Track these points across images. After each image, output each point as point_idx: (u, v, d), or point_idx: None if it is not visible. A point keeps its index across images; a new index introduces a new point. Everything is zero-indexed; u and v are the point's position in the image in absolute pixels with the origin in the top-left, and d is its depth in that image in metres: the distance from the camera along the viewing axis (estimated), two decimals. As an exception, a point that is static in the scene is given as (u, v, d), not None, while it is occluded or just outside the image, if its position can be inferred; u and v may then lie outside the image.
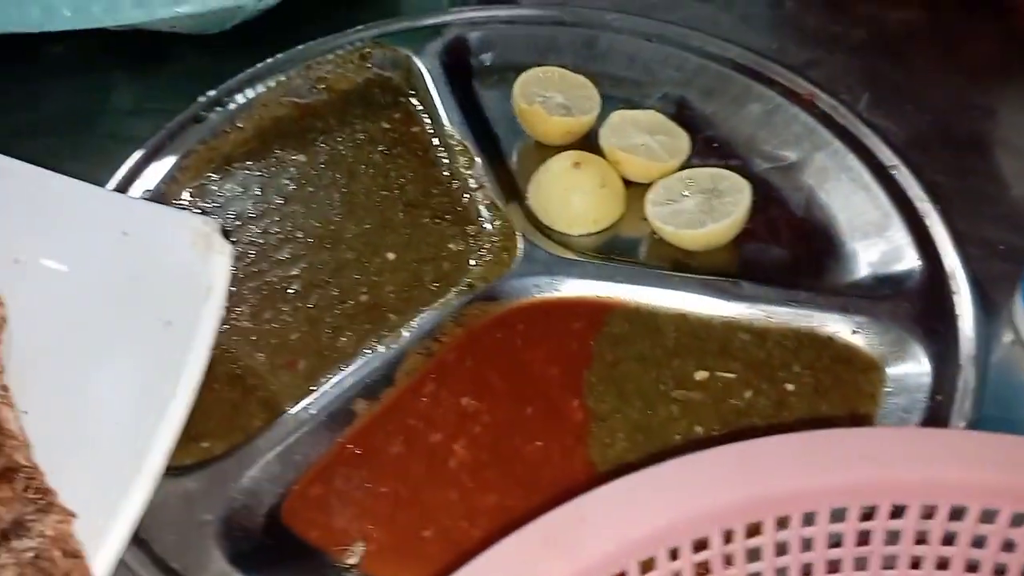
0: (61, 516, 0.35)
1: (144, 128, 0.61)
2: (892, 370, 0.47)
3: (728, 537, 0.34)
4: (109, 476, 0.37)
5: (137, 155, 0.56)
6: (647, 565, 0.33)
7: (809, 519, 0.34)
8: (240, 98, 0.61)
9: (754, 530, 0.34)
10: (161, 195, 0.55)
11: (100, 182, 0.55)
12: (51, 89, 0.66)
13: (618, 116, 0.58)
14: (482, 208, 0.55)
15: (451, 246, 0.53)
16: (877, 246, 0.53)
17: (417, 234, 0.54)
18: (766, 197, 0.56)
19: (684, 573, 0.33)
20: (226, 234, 0.43)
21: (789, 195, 0.57)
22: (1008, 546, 0.35)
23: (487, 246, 0.53)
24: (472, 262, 0.52)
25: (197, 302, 0.41)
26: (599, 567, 0.32)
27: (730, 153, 0.59)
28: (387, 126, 0.61)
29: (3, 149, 0.53)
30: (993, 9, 0.70)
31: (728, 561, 0.34)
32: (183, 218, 0.45)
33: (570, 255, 0.53)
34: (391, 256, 0.53)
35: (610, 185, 0.56)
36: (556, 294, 0.51)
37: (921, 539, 0.35)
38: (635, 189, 0.57)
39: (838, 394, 0.46)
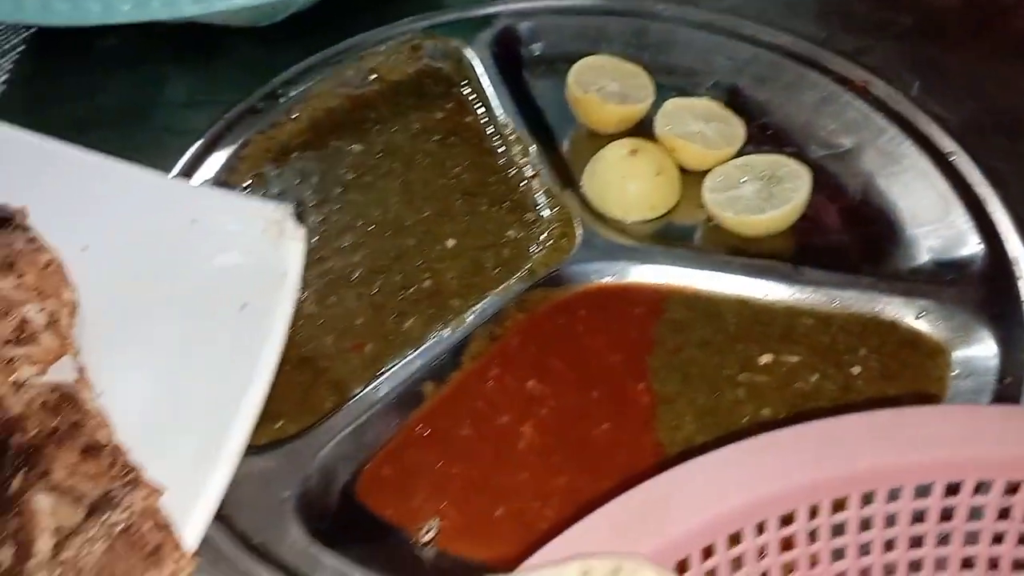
0: (148, 491, 0.36)
1: (199, 120, 0.62)
2: (959, 354, 0.47)
3: (813, 512, 0.34)
4: (192, 455, 0.38)
5: (196, 146, 0.58)
6: (733, 539, 0.33)
7: (894, 495, 0.35)
8: (294, 90, 0.62)
9: (838, 506, 0.34)
10: (221, 184, 0.56)
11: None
12: (106, 82, 0.67)
13: (672, 104, 0.59)
14: (539, 195, 0.56)
15: (510, 233, 0.54)
16: (938, 232, 0.53)
17: (476, 221, 0.55)
18: (822, 184, 0.55)
19: (770, 547, 0.34)
20: (299, 219, 0.44)
21: (846, 182, 0.57)
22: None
23: (546, 233, 0.54)
24: (532, 249, 0.53)
25: (272, 287, 0.42)
26: (689, 540, 0.32)
27: (785, 140, 0.59)
28: (440, 116, 0.62)
29: (61, 140, 0.55)
30: (1044, -7, 0.70)
31: (812, 537, 0.35)
32: (254, 205, 0.46)
33: (628, 241, 0.53)
34: (451, 243, 0.53)
35: (666, 172, 0.56)
36: (616, 280, 0.52)
37: (1004, 514, 0.35)
38: (690, 176, 0.57)
39: (905, 377, 0.46)
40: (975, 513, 0.35)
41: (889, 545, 0.36)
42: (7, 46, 0.71)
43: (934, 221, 0.53)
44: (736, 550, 0.33)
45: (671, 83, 0.62)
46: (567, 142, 0.60)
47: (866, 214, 0.55)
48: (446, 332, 0.48)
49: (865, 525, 0.35)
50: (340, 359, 0.47)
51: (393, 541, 0.41)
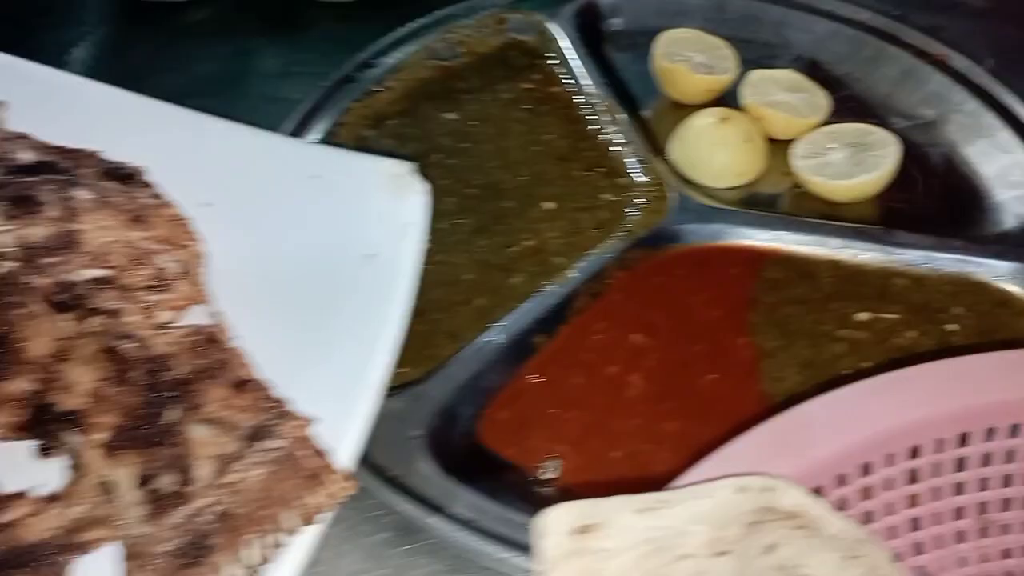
0: (300, 421, 0.38)
1: (292, 90, 0.64)
2: (1052, 314, 0.49)
3: (938, 446, 0.36)
4: (333, 393, 0.40)
5: (296, 113, 0.60)
6: (864, 469, 0.35)
7: (1015, 431, 0.36)
8: (386, 61, 0.64)
9: (962, 440, 0.36)
10: (325, 149, 0.59)
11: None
12: (197, 54, 0.70)
13: (758, 75, 0.61)
14: (629, 161, 0.58)
15: (605, 196, 0.56)
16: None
17: (571, 185, 0.57)
18: (907, 153, 0.57)
19: (897, 480, 0.36)
20: (421, 174, 0.46)
21: (929, 151, 0.59)
22: None
23: (640, 196, 0.56)
24: (628, 211, 0.55)
25: (397, 238, 0.44)
26: (824, 468, 0.34)
27: (867, 112, 0.61)
28: (528, 86, 0.64)
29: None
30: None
31: (936, 470, 0.36)
32: (374, 160, 0.48)
33: (722, 204, 0.55)
34: (550, 205, 0.55)
35: (754, 140, 0.58)
36: (711, 242, 0.54)
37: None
38: (775, 145, 0.59)
39: (1001, 335, 0.48)
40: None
41: (1006, 481, 0.37)
42: (98, 20, 0.73)
43: (1019, 187, 0.55)
44: (866, 480, 0.35)
45: (750, 57, 0.64)
46: (649, 112, 0.63)
47: (950, 182, 0.57)
48: (552, 288, 0.50)
49: (985, 460, 0.37)
50: (453, 311, 0.50)
51: (517, 479, 0.44)
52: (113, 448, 0.39)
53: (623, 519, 0.30)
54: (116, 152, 0.52)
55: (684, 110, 0.60)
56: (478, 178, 0.57)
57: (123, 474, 0.38)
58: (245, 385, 0.40)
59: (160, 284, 0.46)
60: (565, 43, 0.65)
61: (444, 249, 0.53)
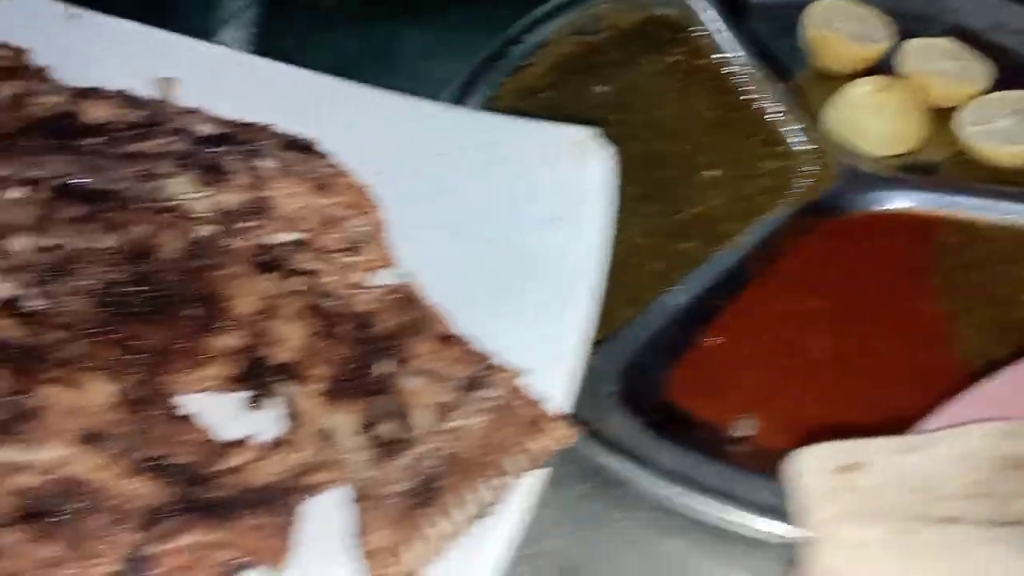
0: (511, 373, 0.39)
1: (441, 70, 0.65)
2: None
3: None
4: (535, 349, 0.41)
5: (451, 90, 0.61)
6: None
7: None
8: (531, 38, 0.65)
9: None
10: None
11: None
12: (340, 37, 0.72)
13: (918, 43, 0.60)
14: (788, 130, 0.58)
15: (768, 164, 0.56)
16: None
17: (731, 154, 0.57)
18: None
19: None
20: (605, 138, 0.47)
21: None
22: None
23: (804, 164, 0.56)
24: (793, 178, 0.55)
25: (582, 204, 0.45)
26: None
27: (1025, 81, 0.61)
28: (674, 59, 0.64)
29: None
30: None
31: None
32: (555, 127, 0.49)
33: (890, 172, 0.55)
34: (712, 173, 0.56)
35: (915, 108, 0.58)
36: (879, 208, 0.54)
37: None
38: (934, 113, 0.58)
39: None
40: None
41: None
42: (241, 5, 0.76)
43: None
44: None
45: (902, 26, 0.64)
46: (798, 83, 0.62)
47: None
48: (725, 253, 0.51)
49: None
50: (629, 275, 0.49)
51: (709, 434, 0.44)
52: (331, 397, 0.41)
53: (885, 459, 0.30)
54: (287, 125, 0.54)
55: (833, 80, 0.60)
56: (635, 148, 0.57)
57: (342, 421, 0.40)
58: (450, 339, 0.42)
59: (351, 246, 0.48)
60: (710, 15, 0.65)
61: (612, 215, 0.54)
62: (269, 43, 0.74)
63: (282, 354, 0.42)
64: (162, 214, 0.47)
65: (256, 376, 0.42)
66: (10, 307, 0.43)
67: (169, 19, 0.74)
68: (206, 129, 0.52)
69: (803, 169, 0.55)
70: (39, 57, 0.57)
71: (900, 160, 0.57)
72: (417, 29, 0.72)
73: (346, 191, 0.50)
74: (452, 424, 0.37)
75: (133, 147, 0.51)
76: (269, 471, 0.38)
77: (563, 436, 0.37)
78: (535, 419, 0.37)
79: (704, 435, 0.44)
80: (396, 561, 0.34)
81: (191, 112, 0.54)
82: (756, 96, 0.60)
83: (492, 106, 0.60)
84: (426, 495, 0.36)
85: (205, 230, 0.47)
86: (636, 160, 0.57)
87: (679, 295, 0.48)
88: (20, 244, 0.45)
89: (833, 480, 0.30)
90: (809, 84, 0.62)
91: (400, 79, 0.67)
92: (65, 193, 0.47)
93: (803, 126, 0.58)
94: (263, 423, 0.42)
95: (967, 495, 0.30)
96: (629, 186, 0.55)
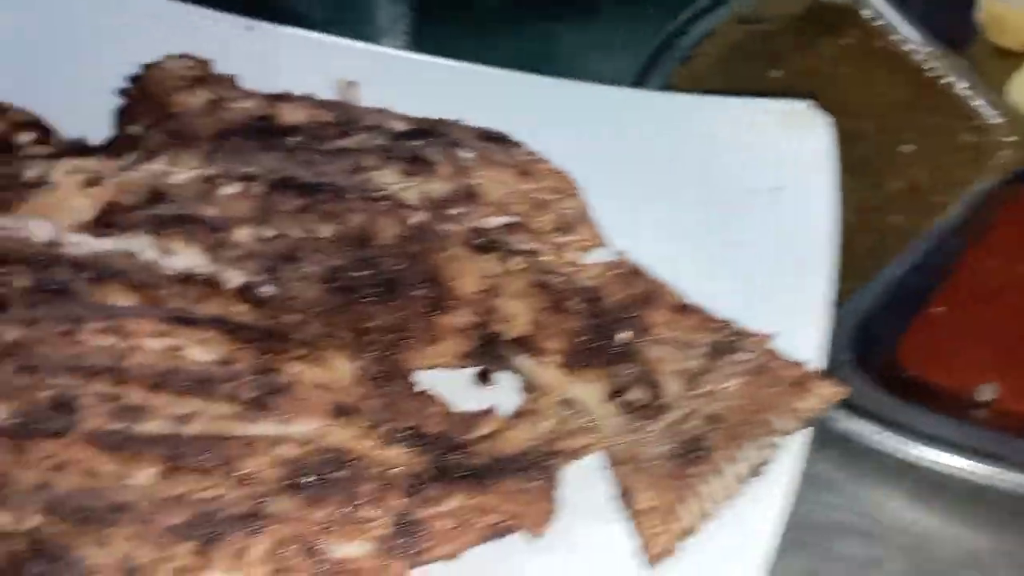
0: (760, 337, 0.40)
1: (603, 70, 0.67)
2: None
3: None
4: (783, 316, 0.41)
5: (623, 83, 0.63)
6: None
7: None
8: (696, 29, 0.67)
9: None
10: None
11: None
12: (496, 39, 0.74)
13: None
14: (976, 105, 0.58)
15: (964, 137, 0.56)
16: None
17: (925, 130, 0.58)
18: None
19: None
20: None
21: None
22: None
23: (1001, 136, 0.56)
24: (992, 149, 0.55)
25: (805, 173, 0.46)
26: None
27: None
28: (847, 42, 0.65)
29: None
30: None
31: None
32: (764, 102, 0.50)
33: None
34: (909, 148, 0.56)
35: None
36: (1091, 176, 0.53)
37: None
38: None
39: None
40: None
41: None
42: (397, 13, 0.79)
43: None
44: None
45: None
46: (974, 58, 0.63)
47: None
48: (937, 224, 0.51)
49: None
50: (844, 249, 0.50)
51: (947, 400, 0.44)
52: (570, 368, 0.42)
53: None
54: (474, 120, 0.56)
55: (1010, 55, 0.61)
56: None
57: (587, 390, 0.41)
58: (685, 308, 0.42)
59: (565, 227, 0.49)
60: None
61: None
62: (427, 50, 0.77)
63: (515, 329, 0.44)
64: (377, 203, 0.49)
65: (489, 351, 0.44)
66: (244, 294, 0.45)
67: (327, 31, 0.79)
68: (400, 126, 0.55)
69: (1001, 140, 0.56)
70: (222, 68, 0.61)
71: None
72: (570, 29, 0.74)
73: (549, 176, 0.51)
74: (706, 388, 0.38)
75: (337, 144, 0.53)
76: (521, 438, 0.39)
77: (831, 395, 0.37)
78: (799, 379, 0.38)
79: (944, 400, 0.44)
80: (674, 519, 0.35)
81: (379, 111, 0.57)
82: (938, 74, 0.60)
83: (670, 95, 0.62)
84: (694, 454, 0.36)
85: (419, 216, 0.48)
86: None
87: (898, 267, 0.49)
88: (243, 235, 0.48)
89: None
90: (985, 59, 0.63)
91: (564, 75, 0.70)
92: (280, 187, 0.50)
93: (990, 100, 0.58)
94: (491, 397, 0.44)
95: None
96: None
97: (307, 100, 0.58)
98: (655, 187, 0.48)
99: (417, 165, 0.51)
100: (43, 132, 0.57)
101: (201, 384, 0.40)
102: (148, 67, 0.61)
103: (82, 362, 0.41)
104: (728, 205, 0.46)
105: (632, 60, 0.66)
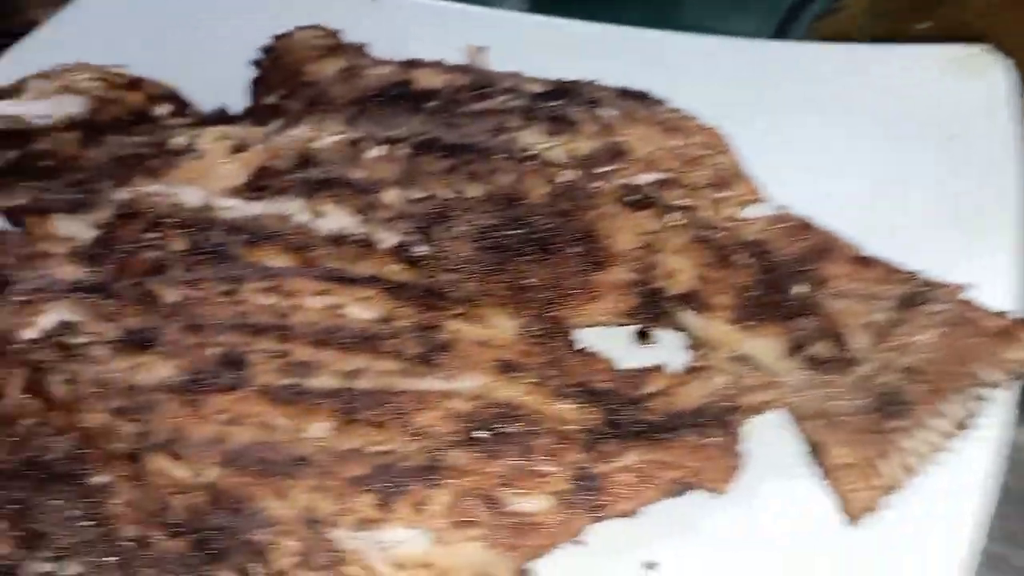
0: (953, 287, 0.38)
1: (739, 23, 0.65)
2: None
3: None
4: (972, 263, 0.40)
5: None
6: None
7: None
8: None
9: None
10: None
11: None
12: (618, 13, 0.73)
13: None
14: None
15: None
16: None
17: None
18: None
19: None
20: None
21: None
22: None
23: None
24: None
25: (983, 118, 0.44)
26: None
27: None
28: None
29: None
30: None
31: None
32: (934, 48, 0.48)
33: None
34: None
35: None
36: None
37: None
38: None
39: None
40: None
41: None
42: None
43: None
44: None
45: None
46: None
47: None
48: None
49: None
50: None
51: None
52: (741, 323, 0.41)
53: None
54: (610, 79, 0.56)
55: None
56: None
57: (763, 345, 0.39)
58: (866, 260, 0.41)
59: (720, 182, 0.48)
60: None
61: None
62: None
63: (678, 285, 0.43)
64: (523, 162, 0.49)
65: (652, 308, 0.43)
66: (397, 253, 0.46)
67: None
68: (536, 87, 0.54)
69: None
70: (350, 37, 0.62)
71: None
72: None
73: (698, 132, 0.50)
74: (899, 341, 0.37)
75: (476, 106, 0.53)
76: (695, 394, 0.39)
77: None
78: (1004, 329, 0.36)
79: None
80: (875, 475, 0.33)
81: (513, 74, 0.56)
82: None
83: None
84: (893, 408, 0.35)
85: (567, 175, 0.48)
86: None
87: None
88: (391, 197, 0.48)
89: None
90: None
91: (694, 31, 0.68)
92: (425, 149, 0.50)
93: None
94: (651, 353, 0.43)
95: None
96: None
97: (441, 65, 0.58)
98: (819, 141, 0.47)
99: (560, 124, 0.51)
100: (179, 104, 0.59)
101: (365, 341, 0.41)
102: (278, 38, 0.63)
103: (246, 320, 0.42)
104: (903, 155, 0.45)
105: (761, 18, 0.65)
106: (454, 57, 0.59)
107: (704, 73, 0.53)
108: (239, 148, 0.50)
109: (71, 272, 0.46)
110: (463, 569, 0.35)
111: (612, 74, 0.55)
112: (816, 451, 0.35)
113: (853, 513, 0.34)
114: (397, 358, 0.40)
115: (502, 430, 0.37)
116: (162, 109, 0.58)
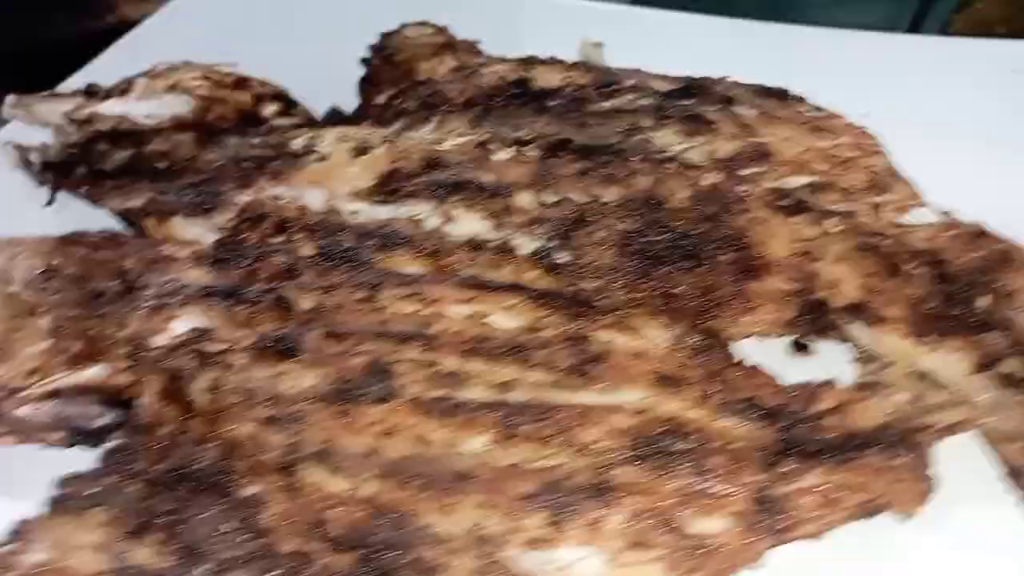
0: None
1: (850, 16, 0.64)
2: None
3: None
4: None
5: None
6: None
7: None
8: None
9: None
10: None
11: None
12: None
13: None
14: None
15: None
16: None
17: None
18: None
19: None
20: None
21: None
22: None
23: None
24: None
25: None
26: None
27: None
28: None
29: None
30: None
31: None
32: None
33: None
34: None
35: None
36: None
37: None
38: None
39: None
40: None
41: None
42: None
43: None
44: None
45: None
46: None
47: None
48: None
49: None
50: None
51: None
52: (919, 337, 0.39)
53: None
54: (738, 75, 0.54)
55: None
56: None
57: (946, 361, 0.38)
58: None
59: (878, 186, 0.46)
60: None
61: None
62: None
63: (843, 296, 0.41)
64: (661, 164, 0.47)
65: (814, 319, 0.42)
66: (537, 260, 0.44)
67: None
68: (663, 85, 0.53)
69: None
70: (463, 34, 0.60)
71: None
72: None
73: (846, 132, 0.48)
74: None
75: (602, 105, 0.52)
76: (875, 413, 0.37)
77: None
78: None
79: None
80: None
81: (635, 71, 0.55)
82: None
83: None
84: (1102, 430, 0.33)
85: (709, 178, 0.47)
86: None
87: None
88: (524, 201, 0.46)
89: None
90: None
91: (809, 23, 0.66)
92: (556, 150, 0.49)
93: None
94: (809, 365, 0.42)
95: None
96: None
97: (559, 63, 0.57)
98: (975, 139, 0.45)
99: (694, 124, 0.49)
100: (287, 103, 0.58)
101: (514, 351, 0.39)
102: (387, 36, 0.62)
103: (389, 328, 0.41)
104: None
105: (889, 10, 0.63)
106: (565, 53, 0.58)
107: (842, 69, 0.52)
108: (362, 150, 0.49)
109: (198, 276, 0.45)
110: (641, 594, 0.34)
111: (740, 70, 0.54)
112: (1015, 475, 0.33)
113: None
114: (549, 369, 0.39)
115: (670, 448, 0.36)
116: (269, 109, 0.58)
